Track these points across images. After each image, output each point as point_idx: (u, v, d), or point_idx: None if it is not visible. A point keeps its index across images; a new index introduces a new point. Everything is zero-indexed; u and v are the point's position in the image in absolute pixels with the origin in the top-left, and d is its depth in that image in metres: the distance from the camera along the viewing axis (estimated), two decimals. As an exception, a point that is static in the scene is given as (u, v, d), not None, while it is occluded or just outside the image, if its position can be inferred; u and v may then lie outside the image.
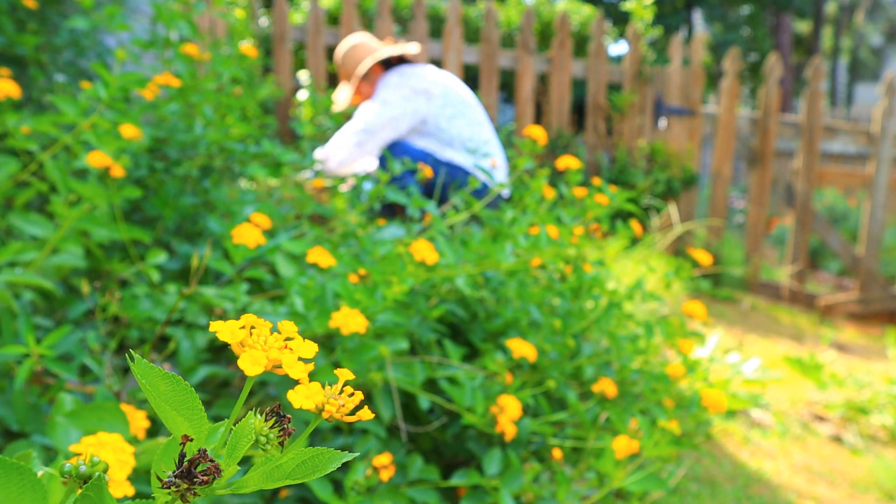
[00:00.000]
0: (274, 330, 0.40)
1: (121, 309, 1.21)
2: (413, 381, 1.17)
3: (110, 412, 0.84)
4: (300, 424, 1.07)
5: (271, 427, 0.38)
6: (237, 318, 0.40)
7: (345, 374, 0.41)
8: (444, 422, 1.26)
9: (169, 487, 0.36)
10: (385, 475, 0.98)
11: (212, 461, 0.36)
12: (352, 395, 0.40)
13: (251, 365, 0.37)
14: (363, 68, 2.52)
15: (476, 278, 1.46)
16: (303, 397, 0.38)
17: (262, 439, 0.38)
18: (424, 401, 1.18)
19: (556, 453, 1.24)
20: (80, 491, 0.39)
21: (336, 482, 1.13)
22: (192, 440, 0.37)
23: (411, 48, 2.60)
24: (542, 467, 1.23)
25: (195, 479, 0.36)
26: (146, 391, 0.37)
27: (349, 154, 2.35)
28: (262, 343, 0.39)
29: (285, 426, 0.38)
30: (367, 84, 2.58)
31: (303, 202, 1.70)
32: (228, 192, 1.70)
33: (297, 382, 0.39)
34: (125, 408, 0.84)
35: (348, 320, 1.00)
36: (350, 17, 3.93)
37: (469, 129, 2.45)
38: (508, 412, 1.13)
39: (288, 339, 0.40)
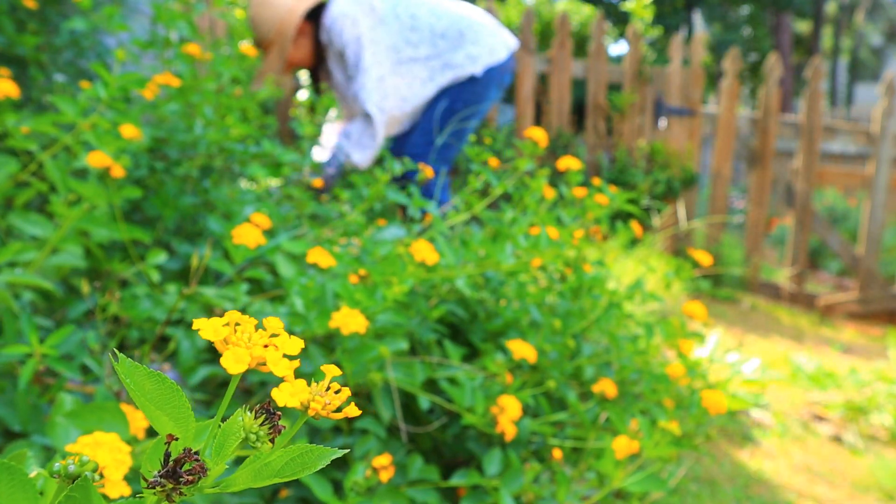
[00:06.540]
0: (259, 327, 0.39)
1: (121, 309, 1.21)
2: (413, 382, 1.17)
3: (110, 412, 0.83)
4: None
5: (261, 424, 0.37)
6: (236, 318, 0.39)
7: (331, 370, 0.40)
8: (444, 422, 1.26)
9: (154, 487, 0.36)
10: (385, 476, 0.98)
11: (197, 460, 0.36)
12: (338, 391, 0.39)
13: (234, 363, 0.36)
14: (289, 30, 2.19)
15: (476, 279, 1.46)
16: (287, 395, 0.37)
17: (252, 437, 0.37)
18: (424, 401, 1.17)
19: (556, 453, 1.24)
20: (65, 492, 0.39)
21: (336, 482, 1.13)
22: (177, 439, 0.37)
23: None
24: (542, 467, 1.23)
25: (180, 479, 0.35)
26: (130, 390, 0.36)
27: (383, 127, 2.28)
28: (246, 340, 0.38)
29: (276, 423, 0.38)
30: (300, 45, 2.30)
31: (303, 202, 1.70)
32: (228, 192, 1.70)
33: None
34: (125, 408, 0.84)
35: (348, 320, 1.00)
36: (350, 17, 3.92)
37: (440, 21, 2.27)
38: (508, 412, 1.13)
39: (273, 335, 0.39)
